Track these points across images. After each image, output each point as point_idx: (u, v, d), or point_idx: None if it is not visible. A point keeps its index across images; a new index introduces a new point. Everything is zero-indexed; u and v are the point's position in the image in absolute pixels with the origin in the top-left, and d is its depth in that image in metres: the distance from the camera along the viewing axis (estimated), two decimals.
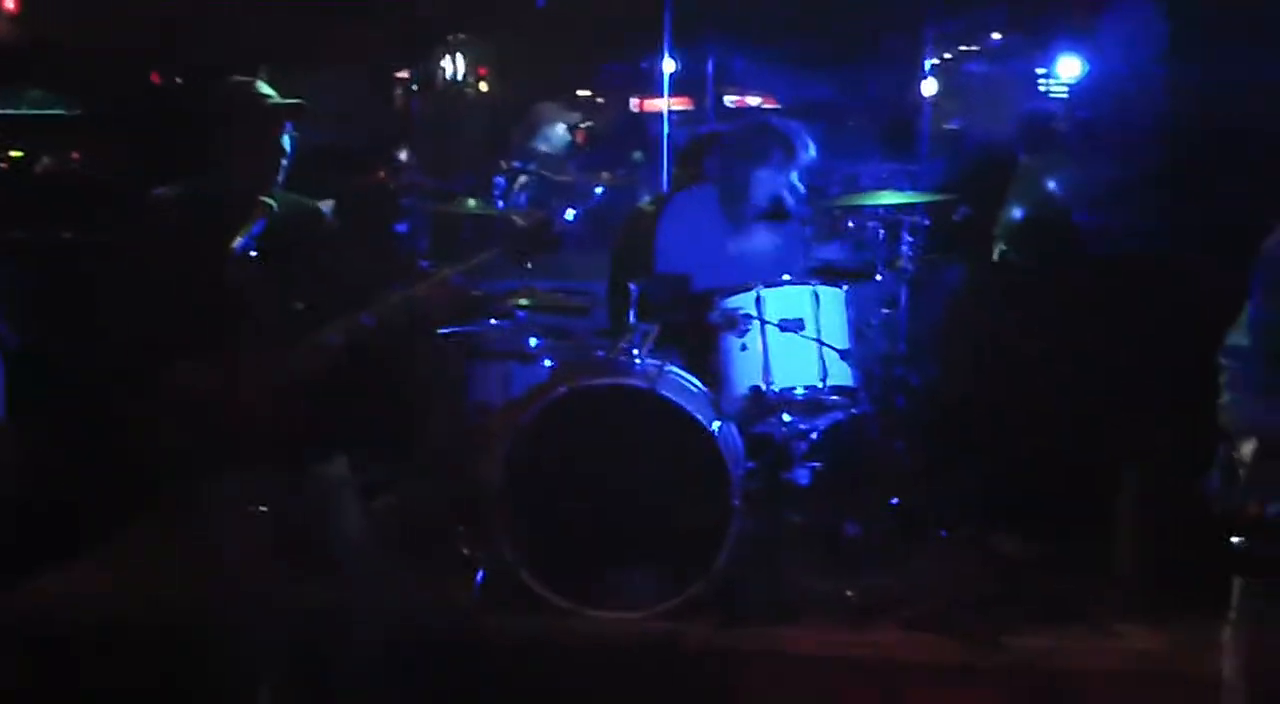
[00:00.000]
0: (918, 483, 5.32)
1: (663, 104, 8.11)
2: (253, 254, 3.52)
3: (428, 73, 8.72)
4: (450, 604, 4.58)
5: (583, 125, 7.94)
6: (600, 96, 11.00)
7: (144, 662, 4.23)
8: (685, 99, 10.06)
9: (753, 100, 11.14)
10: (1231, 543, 3.02)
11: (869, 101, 8.18)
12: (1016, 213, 7.18)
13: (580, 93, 10.98)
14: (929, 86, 9.39)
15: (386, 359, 5.11)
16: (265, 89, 3.68)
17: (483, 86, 10.60)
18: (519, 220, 5.62)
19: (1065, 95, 9.35)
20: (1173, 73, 5.47)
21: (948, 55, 10.57)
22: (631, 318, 4.77)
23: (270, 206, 3.57)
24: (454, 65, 9.71)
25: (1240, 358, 3.16)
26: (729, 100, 10.85)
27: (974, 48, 10.70)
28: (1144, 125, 5.45)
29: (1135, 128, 5.57)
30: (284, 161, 3.66)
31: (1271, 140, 5.04)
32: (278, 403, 3.57)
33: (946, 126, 9.67)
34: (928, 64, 9.62)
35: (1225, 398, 3.18)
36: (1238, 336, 3.19)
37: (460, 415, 5.14)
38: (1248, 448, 3.03)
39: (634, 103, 11.06)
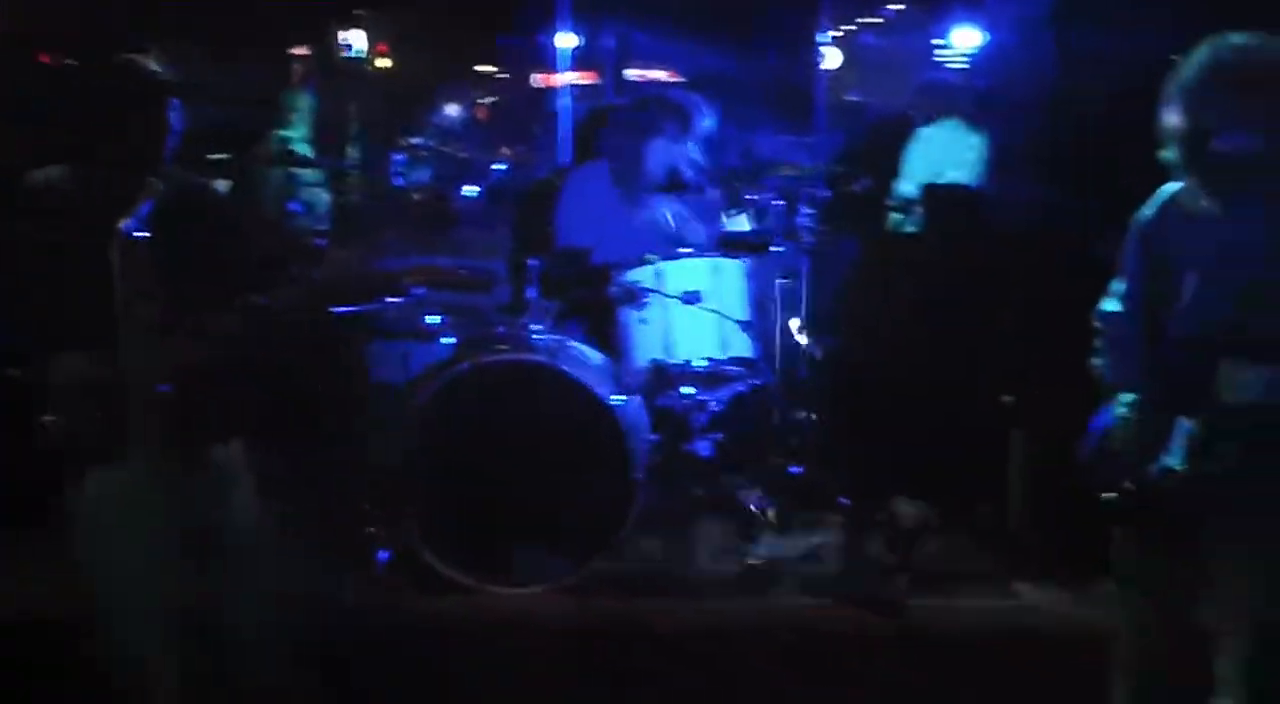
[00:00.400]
0: (818, 452, 5.38)
1: (566, 79, 8.11)
2: (141, 235, 3.44)
3: (326, 50, 8.59)
4: (353, 585, 4.55)
5: (484, 102, 7.90)
6: (503, 72, 10.96)
7: (37, 660, 4.17)
8: (590, 74, 10.04)
9: (658, 74, 11.13)
10: (1105, 499, 3.09)
11: (769, 74, 8.20)
12: (910, 184, 7.26)
13: (482, 69, 10.93)
14: (830, 59, 9.46)
15: (283, 340, 5.05)
16: (154, 66, 3.61)
17: (383, 63, 10.49)
18: (417, 197, 5.59)
19: (965, 65, 9.46)
20: (1061, 40, 5.53)
21: (850, 27, 10.65)
22: (531, 293, 4.76)
23: (158, 186, 3.50)
24: (353, 41, 9.57)
25: (1112, 323, 3.24)
26: (633, 75, 10.84)
27: (875, 19, 10.78)
28: (1032, 94, 5.52)
29: (1024, 97, 5.63)
30: (172, 140, 3.60)
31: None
32: (171, 388, 3.50)
33: (850, 98, 9.74)
34: (829, 36, 9.70)
35: (1098, 361, 3.25)
36: (1110, 302, 3.26)
37: (360, 395, 5.09)
38: (1119, 408, 3.11)
39: (538, 78, 11.01)
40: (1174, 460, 2.88)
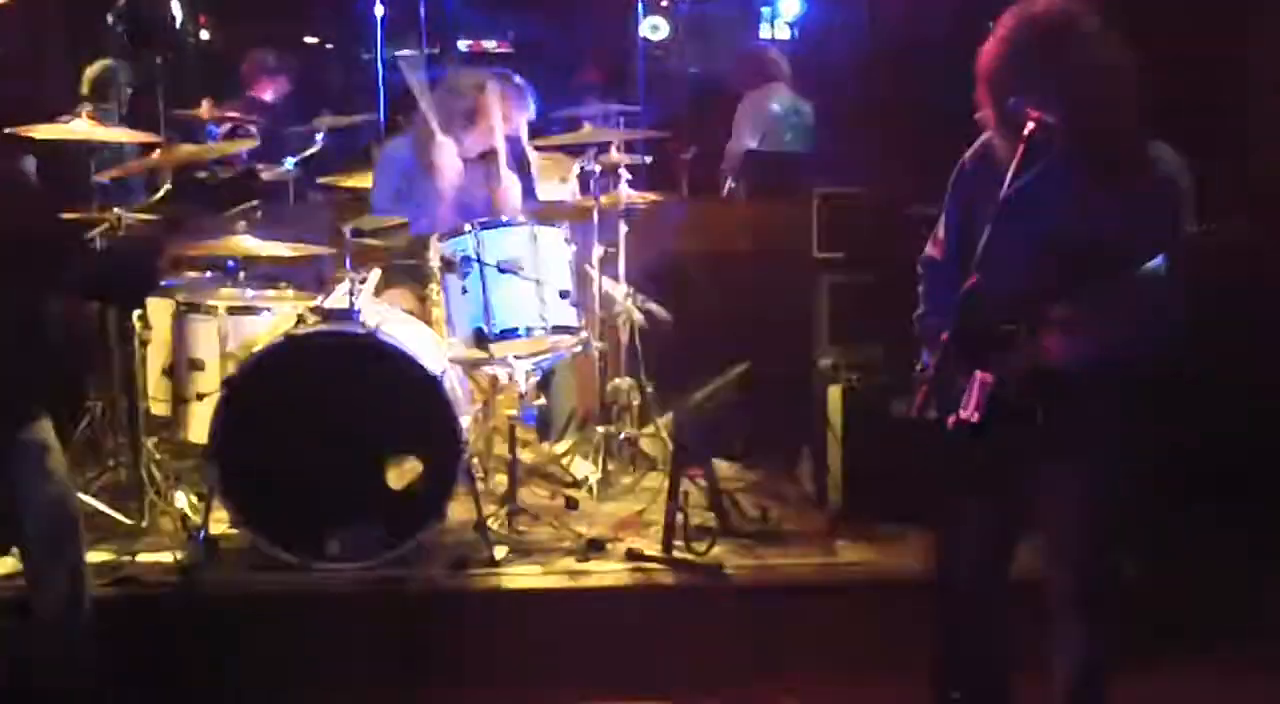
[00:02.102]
0: (642, 416, 5.43)
1: (390, 50, 8.01)
2: None
3: (137, 20, 8.34)
4: (170, 565, 4.46)
5: (304, 72, 7.75)
6: (328, 42, 10.77)
7: None
8: (418, 44, 9.87)
9: (486, 44, 11.03)
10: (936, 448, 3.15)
11: (590, 43, 8.18)
12: (738, 147, 7.35)
13: (308, 39, 10.72)
14: (657, 29, 9.51)
15: (87, 318, 4.92)
16: None
17: (204, 34, 10.22)
18: (228, 171, 5.48)
19: (789, 32, 9.59)
20: (873, 4, 5.63)
21: None
22: (348, 264, 4.69)
23: None
24: (173, 11, 9.31)
25: (934, 268, 3.31)
26: (463, 45, 10.73)
27: None
28: (846, 58, 5.61)
29: (838, 60, 5.73)
30: None
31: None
32: None
33: (677, 67, 9.78)
34: (662, 3, 9.74)
35: (921, 309, 3.32)
36: (930, 249, 3.33)
37: (174, 372, 4.98)
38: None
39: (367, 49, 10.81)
40: (965, 412, 2.96)
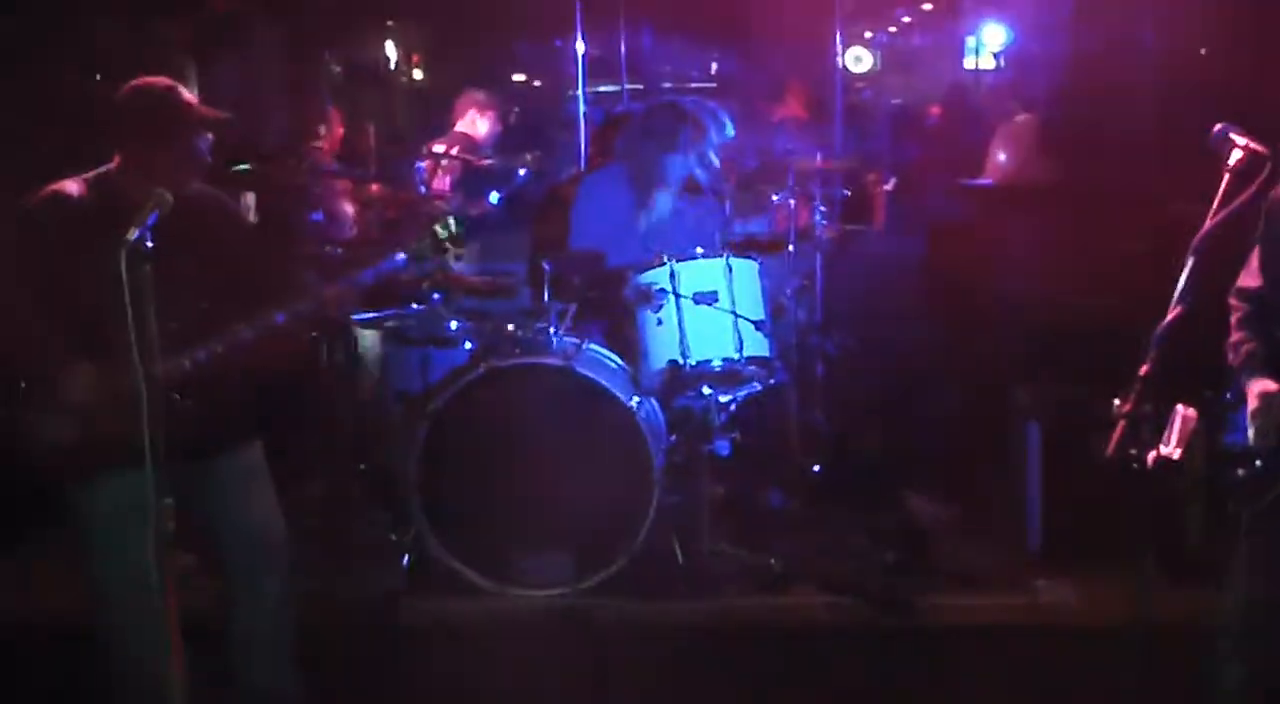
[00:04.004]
0: (836, 450, 5.38)
1: (607, 86, 8.18)
2: (148, 245, 3.49)
3: (358, 60, 8.69)
4: (374, 589, 4.59)
5: (510, 109, 7.94)
6: (536, 80, 11.03)
7: (41, 667, 4.24)
8: (618, 79, 10.03)
9: (686, 80, 11.12)
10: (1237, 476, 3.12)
11: (791, 76, 8.16)
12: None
13: (516, 77, 11.00)
14: (860, 61, 9.48)
15: (303, 350, 5.11)
16: (189, 98, 3.65)
17: (417, 74, 10.59)
18: (440, 205, 5.64)
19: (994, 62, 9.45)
20: (1076, 35, 5.53)
21: (893, 29, 10.65)
22: (546, 297, 4.78)
23: (164, 198, 3.55)
24: (386, 53, 9.69)
25: (1251, 299, 3.23)
26: (666, 81, 10.84)
27: (906, 19, 10.76)
28: (1053, 87, 5.52)
29: (1044, 89, 5.64)
30: (201, 168, 3.67)
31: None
32: (184, 395, 3.56)
33: (879, 98, 9.73)
34: (865, 35, 9.71)
35: (1235, 336, 3.23)
36: (1247, 278, 3.25)
37: (380, 401, 5.14)
38: (1257, 384, 3.09)
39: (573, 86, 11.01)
40: (1167, 448, 2.87)
